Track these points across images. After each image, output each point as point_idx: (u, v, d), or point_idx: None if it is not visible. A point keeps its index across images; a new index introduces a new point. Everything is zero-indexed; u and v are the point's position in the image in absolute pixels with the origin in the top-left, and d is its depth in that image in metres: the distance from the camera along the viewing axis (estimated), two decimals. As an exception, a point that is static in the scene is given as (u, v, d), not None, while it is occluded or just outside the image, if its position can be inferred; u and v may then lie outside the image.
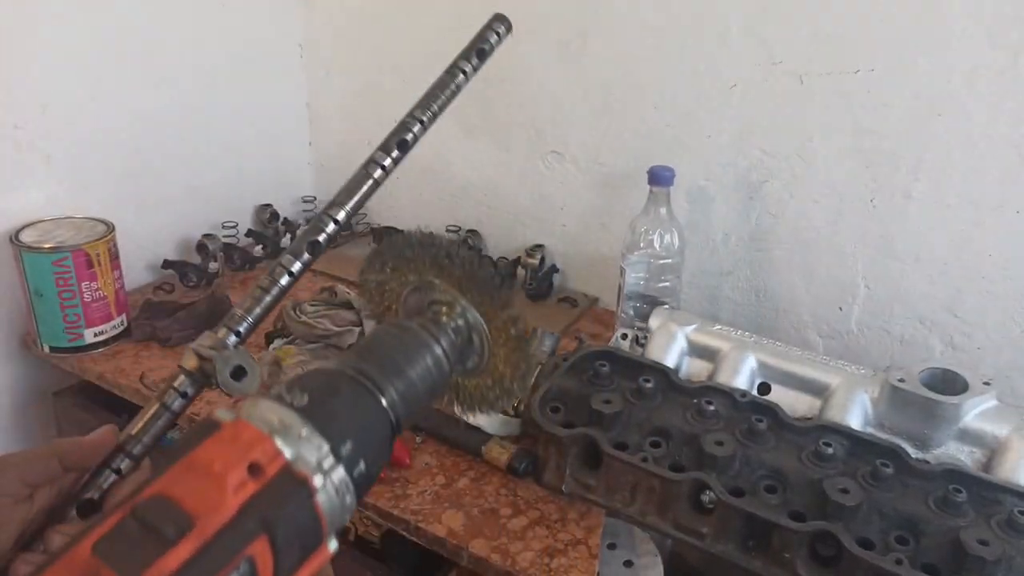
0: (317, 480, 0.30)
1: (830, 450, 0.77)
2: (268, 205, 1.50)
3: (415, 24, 1.38)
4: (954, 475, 0.75)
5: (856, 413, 0.86)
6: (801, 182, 1.11)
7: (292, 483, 0.29)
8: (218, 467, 0.28)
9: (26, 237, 1.07)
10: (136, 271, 1.31)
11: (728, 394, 0.86)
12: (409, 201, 1.53)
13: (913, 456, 0.78)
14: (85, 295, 1.08)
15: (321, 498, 0.30)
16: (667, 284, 1.11)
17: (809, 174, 1.10)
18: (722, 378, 0.93)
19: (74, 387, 1.20)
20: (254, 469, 0.29)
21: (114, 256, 1.11)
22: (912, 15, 0.97)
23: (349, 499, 0.31)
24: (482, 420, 0.92)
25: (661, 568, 0.80)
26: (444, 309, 0.43)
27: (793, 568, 0.68)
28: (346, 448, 0.31)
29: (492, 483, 0.87)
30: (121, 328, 1.14)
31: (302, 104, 1.58)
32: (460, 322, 0.42)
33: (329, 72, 1.53)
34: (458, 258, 0.44)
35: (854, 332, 1.14)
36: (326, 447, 0.30)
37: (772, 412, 0.83)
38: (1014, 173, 0.97)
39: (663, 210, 1.08)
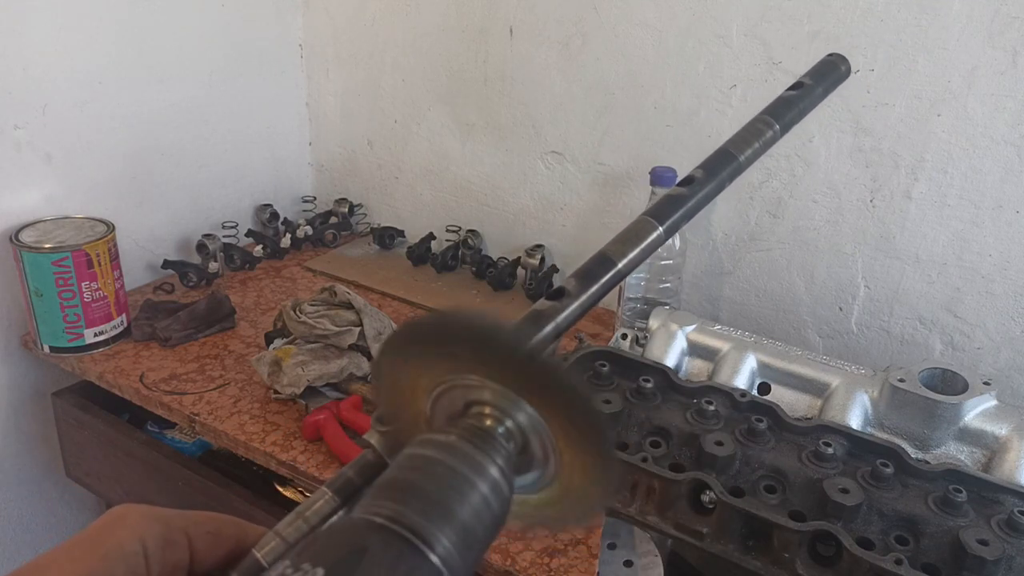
0: None
1: (830, 450, 0.77)
2: (268, 205, 1.50)
3: (415, 24, 1.38)
4: (954, 475, 0.75)
5: (856, 413, 0.86)
6: (801, 182, 1.11)
7: None
8: None
9: (26, 237, 1.07)
10: (136, 271, 1.31)
11: (728, 394, 0.86)
12: (409, 201, 1.54)
13: (913, 456, 0.78)
14: (85, 295, 1.08)
15: None
16: (668, 285, 1.11)
17: (809, 174, 1.11)
18: (722, 378, 0.93)
19: (74, 387, 1.20)
20: None
21: (114, 256, 1.11)
22: (912, 15, 0.97)
23: None
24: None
25: (661, 568, 0.80)
26: (487, 411, 0.30)
27: (793, 568, 0.68)
28: None
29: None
30: (121, 328, 1.15)
31: (302, 104, 1.58)
32: (510, 424, 0.30)
33: (329, 72, 1.53)
34: (482, 332, 0.29)
35: (854, 332, 1.14)
36: None
37: (772, 412, 0.83)
38: (1014, 173, 0.97)
39: (663, 210, 1.08)
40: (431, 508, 0.26)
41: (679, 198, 0.40)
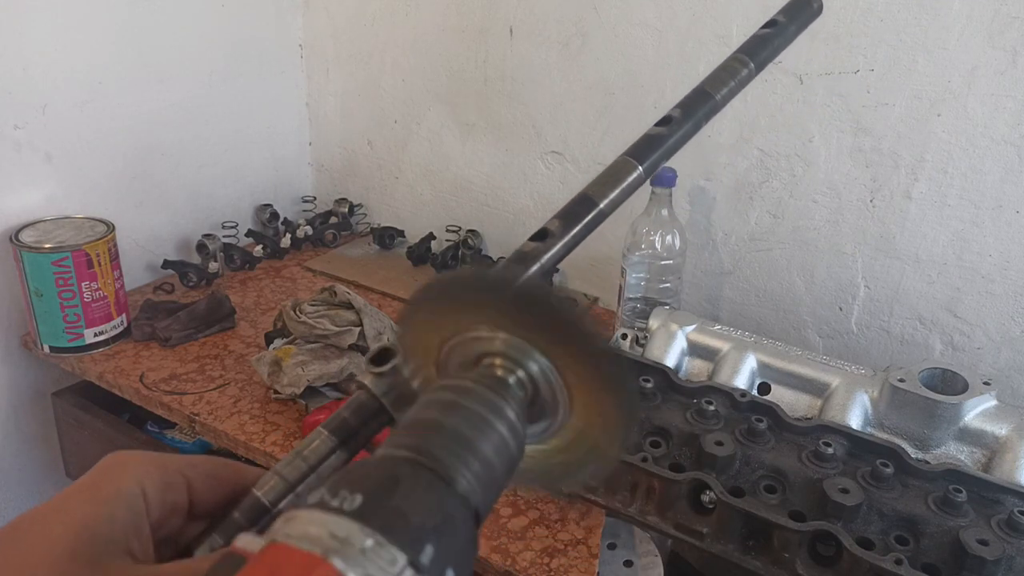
0: None
1: (830, 450, 0.77)
2: (268, 205, 1.50)
3: (415, 24, 1.38)
4: (954, 475, 0.75)
5: (856, 413, 0.86)
6: (801, 182, 1.11)
7: None
8: None
9: (26, 237, 1.07)
10: (136, 271, 1.31)
11: (728, 394, 0.86)
12: (409, 201, 1.54)
13: (913, 456, 0.78)
14: (85, 295, 1.08)
15: None
16: (668, 285, 1.11)
17: (809, 174, 1.11)
18: (722, 378, 0.93)
19: (74, 387, 1.20)
20: None
21: (114, 256, 1.11)
22: (912, 15, 0.97)
23: None
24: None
25: (661, 568, 0.80)
26: (498, 361, 0.31)
27: (793, 568, 0.68)
28: (427, 554, 0.23)
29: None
30: (121, 328, 1.15)
31: (302, 104, 1.58)
32: (522, 374, 0.31)
33: (329, 72, 1.53)
34: (493, 285, 0.30)
35: (854, 332, 1.14)
36: (402, 558, 0.23)
37: (772, 412, 0.83)
38: (1014, 173, 0.97)
39: (665, 211, 1.08)
40: (454, 444, 0.27)
41: (657, 138, 0.40)
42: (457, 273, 0.31)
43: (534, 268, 0.34)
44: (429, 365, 0.33)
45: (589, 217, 0.36)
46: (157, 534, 0.32)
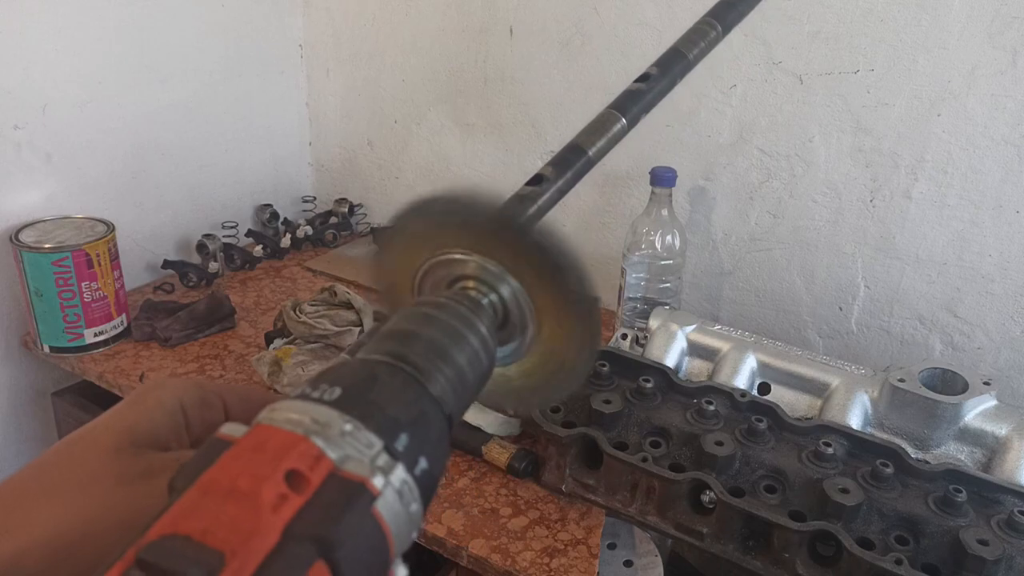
0: (376, 481, 0.23)
1: (830, 450, 0.77)
2: (268, 205, 1.50)
3: (415, 24, 1.38)
4: (954, 475, 0.75)
5: (856, 413, 0.86)
6: (801, 182, 1.11)
7: (346, 489, 0.23)
8: (245, 483, 0.22)
9: (26, 237, 1.07)
10: (136, 271, 1.31)
11: (728, 394, 0.86)
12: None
13: (913, 456, 0.78)
14: (85, 295, 1.08)
15: (383, 506, 0.23)
16: (668, 285, 1.11)
17: (809, 174, 1.11)
18: (722, 378, 0.93)
19: (74, 387, 1.20)
20: (293, 478, 0.22)
21: (114, 256, 1.11)
22: (912, 15, 0.97)
23: (415, 507, 0.25)
24: (482, 420, 0.92)
25: (661, 568, 0.80)
26: (471, 284, 0.32)
27: (793, 568, 0.69)
28: (401, 442, 0.25)
29: (492, 483, 0.87)
30: (121, 328, 1.15)
31: (302, 104, 1.58)
32: (494, 297, 0.32)
33: (329, 72, 1.53)
34: (468, 207, 0.31)
35: (854, 332, 1.14)
36: (378, 443, 0.24)
37: (772, 412, 0.83)
38: (1014, 173, 0.97)
39: (665, 211, 1.08)
40: (429, 351, 0.29)
41: (638, 92, 0.44)
42: (435, 195, 0.32)
43: (531, 209, 0.36)
44: (406, 285, 0.35)
45: (579, 164, 0.40)
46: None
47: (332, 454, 0.23)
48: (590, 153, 0.40)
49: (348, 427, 0.24)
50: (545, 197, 0.38)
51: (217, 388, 0.35)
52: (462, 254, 0.32)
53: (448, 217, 0.32)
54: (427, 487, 0.26)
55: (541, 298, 0.32)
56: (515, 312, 0.33)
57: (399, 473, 0.24)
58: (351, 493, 0.23)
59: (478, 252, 0.32)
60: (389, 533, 0.24)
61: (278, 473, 0.22)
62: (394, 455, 0.24)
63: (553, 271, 0.31)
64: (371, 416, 0.25)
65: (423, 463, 0.26)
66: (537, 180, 0.38)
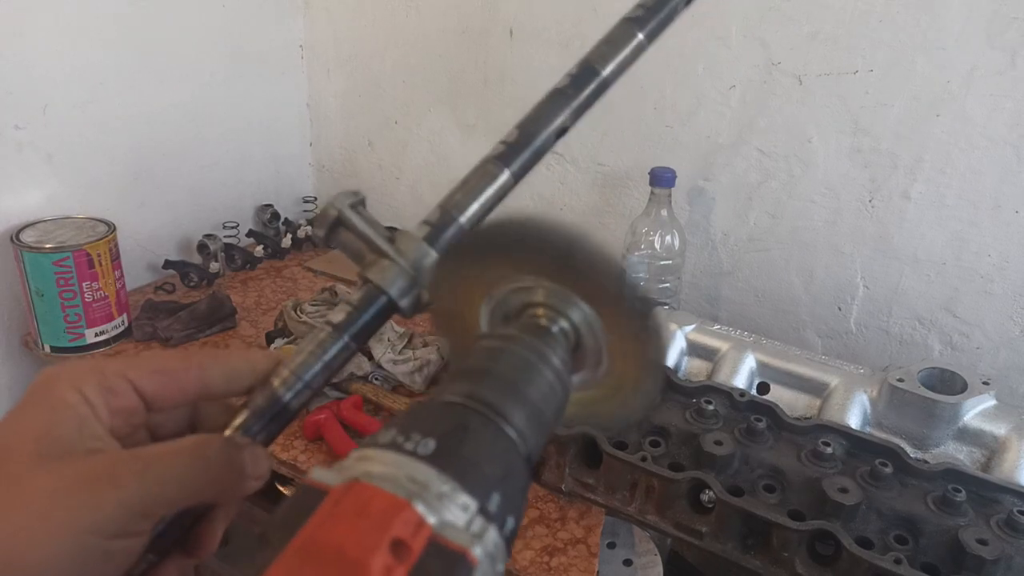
0: (476, 551, 0.22)
1: (829, 449, 0.77)
2: (269, 205, 1.50)
3: (415, 25, 1.39)
4: (953, 475, 0.75)
5: (855, 413, 0.86)
6: (800, 182, 1.12)
7: (447, 559, 0.22)
8: (353, 551, 0.21)
9: (27, 237, 1.08)
10: (137, 271, 1.31)
11: (727, 393, 0.87)
12: (409, 201, 1.54)
13: (912, 456, 0.78)
14: (86, 295, 1.08)
15: (480, 574, 0.23)
16: (667, 285, 1.11)
17: (808, 174, 1.11)
18: (721, 378, 0.93)
19: (75, 387, 1.20)
20: (398, 548, 0.21)
21: (115, 256, 1.11)
22: (911, 15, 0.98)
23: (501, 567, 0.24)
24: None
25: (660, 567, 0.81)
26: (541, 311, 0.32)
27: (792, 567, 0.69)
28: (494, 503, 0.24)
29: (492, 482, 0.87)
30: (122, 328, 1.15)
31: (302, 104, 1.58)
32: (565, 324, 0.32)
33: (329, 72, 1.54)
34: (536, 237, 0.30)
35: (853, 332, 1.14)
36: (473, 505, 0.24)
37: (771, 411, 0.84)
38: (1012, 173, 0.97)
39: (664, 211, 1.08)
40: (506, 389, 0.28)
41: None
42: (499, 224, 0.31)
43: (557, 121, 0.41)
44: (474, 313, 0.34)
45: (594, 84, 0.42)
46: (122, 438, 0.32)
47: (432, 519, 0.23)
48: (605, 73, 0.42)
49: (446, 488, 0.23)
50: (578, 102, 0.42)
51: (121, 367, 0.32)
52: (530, 281, 0.32)
53: (511, 247, 0.31)
54: (511, 542, 0.25)
55: (610, 325, 0.31)
56: (588, 336, 0.32)
57: (492, 536, 0.24)
58: (452, 564, 0.22)
59: (546, 279, 0.31)
60: None
61: (384, 542, 0.21)
62: (488, 517, 0.24)
63: (624, 303, 0.30)
64: (465, 476, 0.24)
65: (511, 522, 0.25)
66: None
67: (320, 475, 0.24)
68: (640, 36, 0.40)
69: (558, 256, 0.30)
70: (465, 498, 0.23)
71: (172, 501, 0.30)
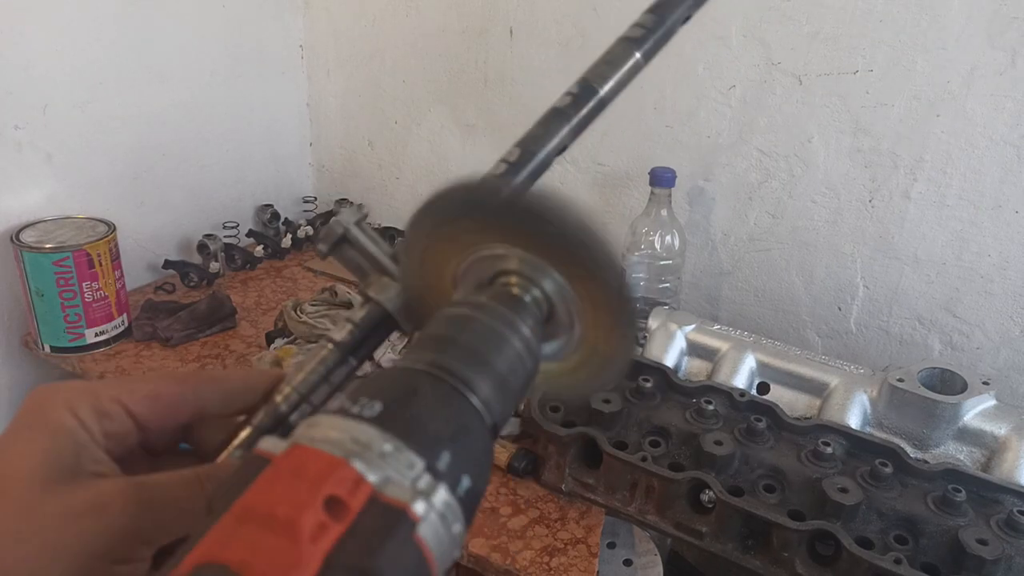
0: (418, 507, 0.22)
1: (829, 449, 0.77)
2: (269, 205, 1.50)
3: (415, 25, 1.39)
4: (953, 475, 0.75)
5: (855, 413, 0.86)
6: (800, 182, 1.12)
7: (386, 516, 0.22)
8: (283, 510, 0.21)
9: (27, 237, 1.07)
10: (137, 271, 1.31)
11: (727, 393, 0.87)
12: (409, 201, 1.54)
13: (912, 456, 0.78)
14: (86, 295, 1.08)
15: (425, 531, 0.22)
16: (667, 285, 1.11)
17: (808, 174, 1.11)
18: (721, 378, 0.93)
19: (75, 387, 1.20)
20: (333, 505, 0.22)
21: (115, 256, 1.11)
22: (911, 15, 0.98)
23: (457, 527, 0.24)
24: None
25: (660, 567, 0.81)
26: (514, 280, 0.31)
27: (792, 567, 0.69)
28: (443, 461, 0.24)
29: (492, 482, 0.87)
30: (122, 328, 1.15)
31: (302, 104, 1.58)
32: (538, 293, 0.31)
33: (329, 72, 1.54)
34: (511, 205, 0.30)
35: (853, 332, 1.14)
36: (420, 463, 0.23)
37: (771, 411, 0.84)
38: (1013, 173, 0.97)
39: (664, 211, 1.08)
40: (470, 358, 0.28)
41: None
42: (469, 187, 0.30)
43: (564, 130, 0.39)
44: (445, 279, 0.34)
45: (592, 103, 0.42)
46: (118, 460, 0.31)
47: (372, 477, 0.22)
48: (605, 88, 0.42)
49: (388, 447, 0.23)
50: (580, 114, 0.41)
51: (115, 391, 0.32)
52: (502, 249, 0.31)
53: (482, 212, 0.31)
54: (470, 505, 0.25)
55: (583, 294, 0.31)
56: (560, 306, 0.31)
57: (441, 495, 0.23)
58: (392, 520, 0.22)
59: (519, 247, 0.30)
60: (432, 558, 0.23)
61: (317, 500, 0.21)
62: (436, 475, 0.24)
63: (591, 259, 0.29)
64: (412, 434, 0.24)
65: (466, 481, 0.25)
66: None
67: (266, 444, 0.24)
68: (637, 55, 0.41)
69: (531, 223, 0.29)
70: (411, 456, 0.23)
71: (174, 533, 0.30)
